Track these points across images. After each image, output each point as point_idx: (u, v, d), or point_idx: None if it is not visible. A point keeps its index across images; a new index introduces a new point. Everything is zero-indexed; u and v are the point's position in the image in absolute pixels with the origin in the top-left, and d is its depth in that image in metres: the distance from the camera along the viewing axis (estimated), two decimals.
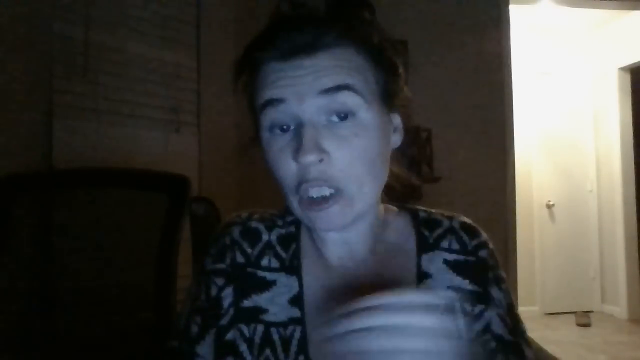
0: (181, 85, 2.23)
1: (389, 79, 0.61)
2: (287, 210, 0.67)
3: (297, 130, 0.56)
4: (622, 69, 4.48)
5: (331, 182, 0.56)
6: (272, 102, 0.56)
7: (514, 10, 3.01)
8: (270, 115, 0.57)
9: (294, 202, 0.58)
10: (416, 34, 2.65)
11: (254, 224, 0.68)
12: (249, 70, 0.60)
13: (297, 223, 0.67)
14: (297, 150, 0.54)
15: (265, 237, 0.67)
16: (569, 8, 3.66)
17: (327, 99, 0.55)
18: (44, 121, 1.70)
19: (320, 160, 0.55)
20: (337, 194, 0.56)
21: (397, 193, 0.65)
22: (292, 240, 0.67)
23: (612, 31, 4.52)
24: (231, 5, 2.48)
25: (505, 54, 2.93)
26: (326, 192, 0.56)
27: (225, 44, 2.34)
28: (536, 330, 3.82)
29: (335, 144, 0.55)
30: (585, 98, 4.81)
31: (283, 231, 0.68)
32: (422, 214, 0.69)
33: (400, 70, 0.62)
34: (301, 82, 0.55)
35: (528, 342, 0.65)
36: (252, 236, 0.67)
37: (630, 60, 4.38)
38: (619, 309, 4.52)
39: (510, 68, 2.96)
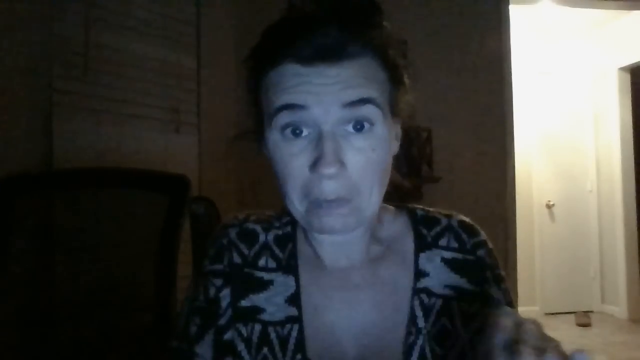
0: (181, 85, 2.24)
1: (397, 90, 0.60)
2: (283, 211, 0.67)
3: (316, 140, 0.55)
4: (622, 69, 4.48)
5: (343, 193, 0.55)
6: (292, 107, 0.54)
7: (514, 10, 3.00)
8: (286, 119, 0.55)
9: (297, 205, 0.58)
10: (416, 34, 2.65)
11: (250, 225, 0.68)
12: (261, 66, 0.58)
13: (294, 223, 0.67)
14: (317, 160, 0.54)
15: (262, 238, 0.67)
16: (569, 8, 3.65)
17: (349, 111, 0.54)
18: (44, 121, 1.70)
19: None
20: (346, 202, 0.56)
21: (397, 193, 0.65)
22: (289, 241, 0.67)
23: (612, 31, 4.52)
24: (231, 5, 2.49)
25: (505, 54, 2.93)
26: (334, 198, 0.55)
27: (225, 44, 2.35)
28: None
29: (353, 155, 0.55)
30: (585, 98, 4.81)
31: (280, 232, 0.68)
32: (419, 213, 0.68)
33: (406, 79, 0.62)
34: (325, 91, 0.54)
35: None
36: (249, 237, 0.67)
37: (630, 60, 4.38)
38: (619, 309, 4.52)
39: (510, 68, 2.96)
